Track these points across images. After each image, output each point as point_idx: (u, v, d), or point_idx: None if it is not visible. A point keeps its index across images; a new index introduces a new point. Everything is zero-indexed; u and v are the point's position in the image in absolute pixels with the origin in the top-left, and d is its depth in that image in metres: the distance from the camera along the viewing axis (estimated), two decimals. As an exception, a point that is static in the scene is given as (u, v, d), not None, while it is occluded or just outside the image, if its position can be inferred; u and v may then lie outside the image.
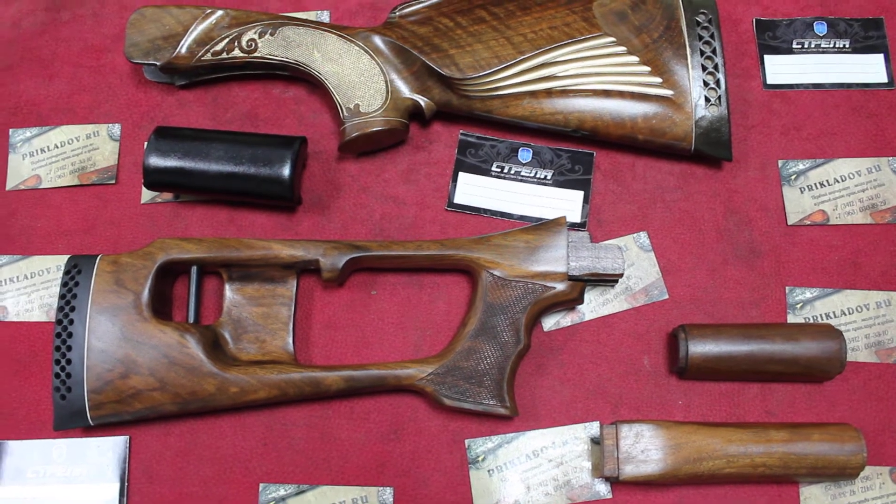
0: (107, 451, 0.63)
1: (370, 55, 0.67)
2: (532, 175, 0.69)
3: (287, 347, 0.64)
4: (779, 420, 0.63)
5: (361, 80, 0.67)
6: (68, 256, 0.63)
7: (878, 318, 0.65)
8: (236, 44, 0.67)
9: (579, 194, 0.68)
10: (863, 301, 0.65)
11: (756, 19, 0.74)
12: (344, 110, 0.66)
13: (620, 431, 0.59)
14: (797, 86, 0.72)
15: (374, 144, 0.69)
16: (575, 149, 0.70)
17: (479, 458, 0.62)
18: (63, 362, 0.60)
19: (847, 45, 0.73)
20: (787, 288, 0.66)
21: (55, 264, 0.67)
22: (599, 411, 0.63)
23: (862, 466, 0.57)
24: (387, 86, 0.67)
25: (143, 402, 0.60)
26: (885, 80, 0.71)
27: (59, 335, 0.60)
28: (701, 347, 0.61)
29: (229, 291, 0.65)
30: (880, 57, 0.72)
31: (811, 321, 0.65)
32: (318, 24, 0.68)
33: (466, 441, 0.62)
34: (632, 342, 0.65)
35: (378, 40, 0.67)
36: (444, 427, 0.63)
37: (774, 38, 0.73)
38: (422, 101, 0.67)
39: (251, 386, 0.60)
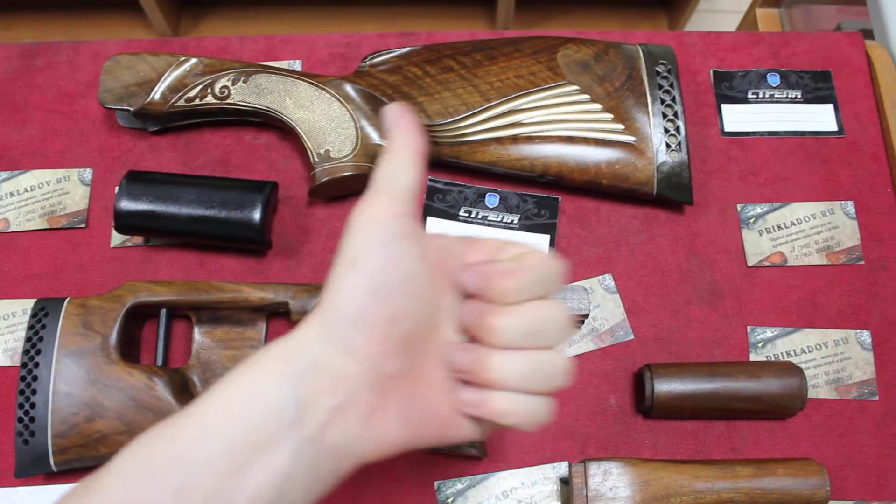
0: (70, 498, 0.62)
1: (341, 102, 0.68)
2: (499, 220, 0.70)
3: (256, 390, 0.64)
4: (744, 457, 0.63)
5: (332, 126, 0.68)
6: (36, 300, 0.63)
7: (836, 355, 0.66)
8: (209, 90, 0.69)
9: (545, 238, 0.70)
10: (821, 339, 0.67)
11: (713, 70, 0.77)
12: (314, 155, 0.67)
13: (589, 470, 0.59)
14: (753, 133, 0.74)
15: (344, 189, 0.70)
16: (541, 194, 0.71)
17: (450, 500, 0.62)
18: (27, 406, 0.59)
19: (799, 96, 0.76)
20: (748, 327, 0.67)
21: (22, 308, 0.67)
22: (568, 451, 0.64)
23: (826, 500, 0.58)
24: (357, 132, 0.68)
25: (109, 446, 0.59)
26: (835, 128, 0.75)
27: (23, 378, 0.59)
28: (666, 386, 0.62)
29: (198, 334, 0.65)
30: (830, 107, 0.76)
31: (773, 359, 0.66)
32: (290, 73, 0.69)
33: (436, 483, 0.62)
34: (599, 382, 0.66)
35: (349, 88, 0.69)
36: (415, 469, 0.63)
37: (731, 87, 0.76)
38: (391, 146, 0.68)
39: (219, 428, 0.59)
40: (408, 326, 0.36)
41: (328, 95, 0.69)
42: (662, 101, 0.70)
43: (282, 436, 0.33)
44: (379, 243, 0.35)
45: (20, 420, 0.59)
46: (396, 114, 0.39)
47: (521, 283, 0.37)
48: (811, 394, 0.65)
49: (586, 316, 0.63)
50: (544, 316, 0.37)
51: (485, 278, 0.38)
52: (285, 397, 0.33)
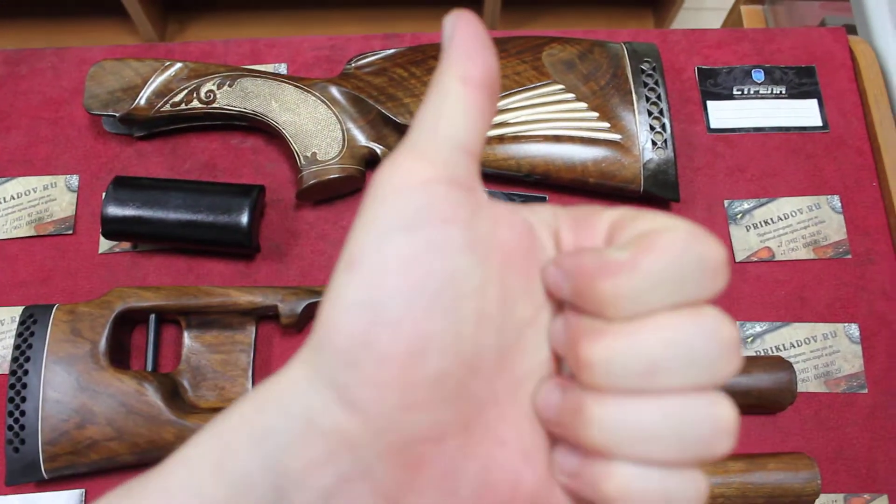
0: (61, 506, 0.62)
1: (327, 105, 0.69)
2: (488, 219, 0.70)
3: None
4: (735, 452, 0.64)
5: (318, 128, 0.68)
6: (24, 307, 0.63)
7: (825, 349, 0.67)
8: (195, 95, 0.68)
9: (534, 237, 0.70)
10: (810, 333, 0.67)
11: (698, 67, 0.77)
12: (301, 158, 0.67)
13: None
14: (739, 129, 0.75)
15: (331, 192, 0.70)
16: (528, 193, 0.71)
17: None
18: (17, 414, 0.59)
19: (783, 92, 0.76)
20: (737, 323, 0.68)
21: (10, 316, 0.67)
22: (560, 449, 0.64)
23: (817, 494, 0.59)
24: (343, 134, 0.68)
25: (100, 452, 0.59)
26: (819, 123, 0.75)
27: (12, 386, 0.59)
28: (656, 382, 0.62)
29: (188, 339, 0.65)
30: (814, 102, 0.76)
31: (762, 354, 0.67)
32: (275, 76, 0.69)
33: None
34: (589, 380, 0.66)
35: (334, 90, 0.69)
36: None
37: (716, 84, 0.76)
38: (378, 148, 0.69)
39: (210, 433, 0.59)
40: (447, 361, 0.22)
41: (314, 98, 0.69)
42: (648, 99, 0.70)
43: None
44: (394, 229, 0.22)
45: (10, 428, 0.58)
46: (455, 21, 0.25)
47: (639, 285, 0.22)
48: (800, 388, 0.65)
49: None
50: (684, 337, 0.22)
51: (577, 277, 0.24)
52: (255, 470, 0.22)
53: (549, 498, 0.25)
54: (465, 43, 0.25)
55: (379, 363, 0.22)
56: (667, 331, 0.22)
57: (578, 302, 0.24)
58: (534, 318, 0.25)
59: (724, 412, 0.23)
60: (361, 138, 0.68)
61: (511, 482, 0.24)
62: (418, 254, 0.22)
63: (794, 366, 0.64)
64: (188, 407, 0.61)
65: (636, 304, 0.22)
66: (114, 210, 0.64)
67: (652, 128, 0.69)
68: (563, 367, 0.26)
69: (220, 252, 0.69)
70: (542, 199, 0.71)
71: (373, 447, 0.22)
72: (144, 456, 0.59)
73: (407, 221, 0.22)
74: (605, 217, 0.26)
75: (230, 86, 0.69)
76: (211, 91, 0.69)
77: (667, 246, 0.22)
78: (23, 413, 0.59)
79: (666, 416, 0.22)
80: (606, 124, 0.68)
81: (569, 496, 0.25)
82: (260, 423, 0.23)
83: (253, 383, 0.64)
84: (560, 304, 0.26)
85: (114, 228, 0.64)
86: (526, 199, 0.71)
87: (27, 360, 0.60)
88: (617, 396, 0.23)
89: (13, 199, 0.71)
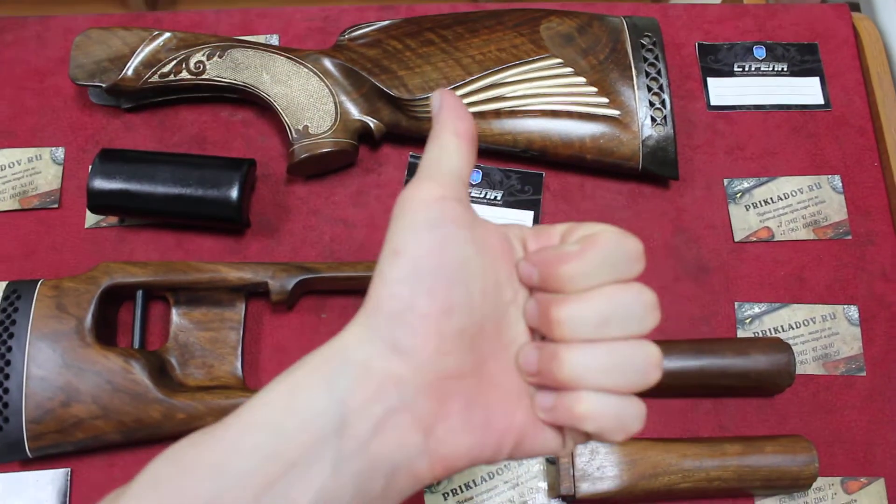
0: (46, 486, 0.60)
1: (319, 77, 0.67)
2: (482, 196, 0.69)
3: (235, 372, 0.62)
4: (732, 434, 0.63)
5: (310, 101, 0.66)
6: (7, 282, 0.61)
7: (823, 331, 0.66)
8: (184, 66, 0.67)
9: (529, 214, 0.69)
10: (809, 315, 0.66)
11: (698, 43, 0.76)
12: (293, 132, 0.66)
13: (576, 449, 0.58)
14: (739, 107, 0.73)
15: (323, 166, 0.69)
16: (524, 169, 0.70)
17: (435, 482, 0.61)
18: (0, 391, 0.57)
19: (785, 69, 0.75)
20: (735, 303, 0.67)
21: (-7, 291, 0.65)
22: (554, 430, 0.63)
23: (814, 477, 0.58)
24: (336, 107, 0.66)
25: (86, 431, 0.58)
26: (821, 101, 0.74)
27: (-5, 363, 0.58)
28: (653, 363, 0.61)
29: (176, 316, 0.63)
30: (816, 80, 0.75)
31: (760, 335, 0.66)
32: (267, 47, 0.68)
33: (421, 463, 0.61)
34: (585, 360, 0.65)
35: (327, 62, 0.67)
36: (398, 450, 0.62)
37: (716, 61, 0.75)
38: (371, 122, 0.67)
39: (198, 412, 0.58)
40: (466, 320, 0.32)
41: (306, 70, 0.67)
42: (647, 75, 0.68)
43: (321, 448, 0.30)
44: (423, 228, 0.32)
45: (-7, 406, 0.57)
46: (441, 97, 0.36)
47: (586, 267, 0.32)
48: (799, 370, 0.64)
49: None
50: (619, 300, 0.32)
51: (542, 266, 0.34)
52: (324, 405, 0.30)
53: (535, 430, 0.34)
54: (452, 110, 0.36)
55: (421, 320, 0.31)
56: (609, 297, 0.32)
57: (544, 284, 0.34)
58: (513, 299, 0.35)
59: (653, 351, 0.33)
60: (355, 111, 0.67)
61: (507, 416, 0.34)
62: (442, 245, 0.32)
63: (793, 348, 0.63)
64: (176, 385, 0.60)
65: (586, 280, 0.32)
66: (100, 183, 0.62)
67: (651, 104, 0.67)
68: (534, 338, 0.36)
69: (209, 227, 0.68)
70: (539, 176, 0.70)
71: (414, 384, 0.31)
72: (131, 435, 0.58)
73: (431, 223, 0.32)
74: (558, 228, 0.37)
75: (220, 57, 0.67)
76: (200, 62, 0.67)
77: (604, 240, 0.33)
78: (6, 391, 0.57)
79: (614, 354, 0.32)
80: (605, 100, 0.67)
81: (548, 427, 0.34)
82: (328, 370, 0.31)
83: (242, 361, 0.63)
84: (530, 292, 0.36)
85: (100, 202, 0.63)
86: (523, 176, 0.70)
87: (10, 336, 0.58)
88: (579, 344, 0.32)
89: (-3, 171, 0.69)
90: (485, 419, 0.33)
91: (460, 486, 0.61)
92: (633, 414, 0.33)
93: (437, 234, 0.32)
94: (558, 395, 0.33)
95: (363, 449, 0.30)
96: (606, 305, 0.32)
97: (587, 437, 0.34)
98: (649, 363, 0.33)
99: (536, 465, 0.61)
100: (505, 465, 0.61)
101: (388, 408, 0.31)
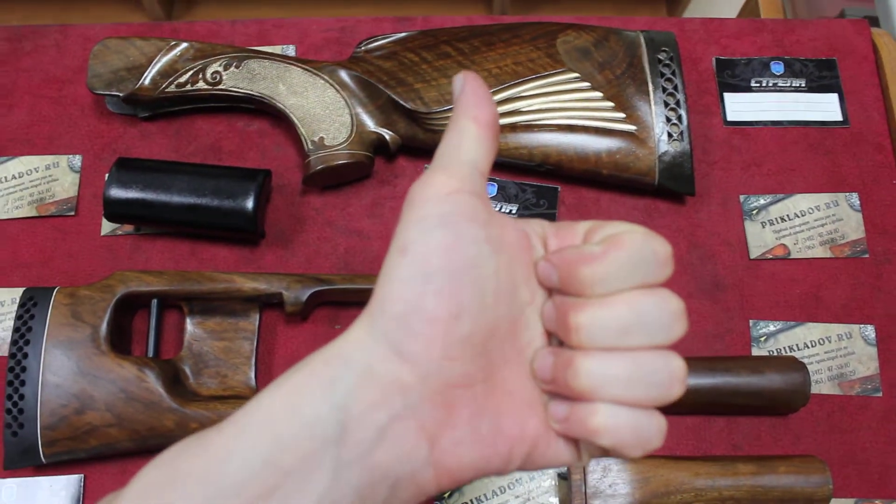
0: (59, 491, 0.61)
1: (335, 88, 0.67)
2: (497, 209, 0.69)
3: (249, 382, 0.63)
4: (745, 453, 0.63)
5: (326, 113, 0.66)
6: (24, 289, 0.61)
7: (839, 350, 0.65)
8: (201, 76, 0.67)
9: (544, 228, 0.69)
10: (824, 334, 0.66)
11: (716, 58, 0.75)
12: (308, 143, 0.66)
13: (588, 466, 0.58)
14: (756, 123, 0.73)
15: (338, 178, 0.69)
16: (540, 183, 0.70)
17: (446, 495, 0.61)
18: (16, 397, 0.58)
19: (803, 85, 0.74)
20: (750, 321, 0.66)
21: (10, 297, 0.66)
22: (566, 446, 0.63)
23: (828, 498, 0.57)
24: (352, 119, 0.67)
25: (99, 438, 0.58)
26: (839, 118, 0.73)
27: (11, 369, 0.58)
28: (667, 380, 0.60)
29: (190, 325, 0.63)
30: (835, 96, 0.74)
31: (775, 354, 0.65)
32: (283, 58, 0.68)
33: (432, 477, 0.61)
34: (598, 376, 0.65)
35: (343, 74, 0.67)
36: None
37: (734, 76, 0.75)
38: (387, 134, 0.67)
39: (211, 421, 0.58)
40: (477, 324, 0.30)
41: (322, 81, 0.67)
42: (664, 90, 0.68)
43: (320, 456, 0.28)
44: (434, 225, 0.30)
45: (8, 412, 0.57)
46: (462, 81, 0.34)
47: (609, 270, 0.30)
48: (813, 389, 0.64)
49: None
50: (643, 307, 0.30)
51: (562, 266, 0.31)
52: (324, 411, 0.28)
53: (548, 441, 0.32)
54: (473, 94, 0.33)
55: (427, 323, 0.29)
56: (632, 303, 0.30)
57: (564, 286, 0.31)
58: (531, 300, 0.33)
59: (677, 363, 0.30)
60: (370, 123, 0.67)
61: (518, 426, 0.32)
62: (452, 243, 0.30)
63: (808, 367, 0.63)
64: (189, 394, 0.60)
65: (608, 284, 0.30)
66: (117, 192, 0.63)
67: (668, 119, 0.67)
68: (552, 342, 0.33)
69: (224, 237, 0.68)
70: (555, 190, 0.69)
71: (419, 390, 0.29)
72: (144, 443, 0.58)
73: (442, 220, 0.30)
74: (582, 226, 0.34)
75: (237, 67, 0.67)
76: (217, 72, 0.67)
77: (629, 242, 0.30)
78: (21, 397, 0.58)
79: (635, 365, 0.30)
80: (621, 115, 0.67)
81: (562, 439, 0.32)
82: (328, 373, 0.29)
83: (256, 371, 0.63)
84: (549, 293, 0.33)
85: (116, 211, 0.63)
86: (538, 190, 0.69)
87: (27, 343, 0.59)
88: (598, 352, 0.30)
89: (14, 178, 0.69)
90: (494, 428, 0.31)
91: (471, 501, 0.61)
92: (653, 430, 0.31)
93: (449, 231, 0.30)
94: (573, 406, 0.31)
95: (365, 458, 0.29)
96: (629, 312, 0.30)
97: (603, 451, 0.31)
98: (673, 377, 0.30)
99: (548, 481, 0.61)
100: (516, 480, 0.61)
101: (391, 415, 0.29)
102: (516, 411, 0.32)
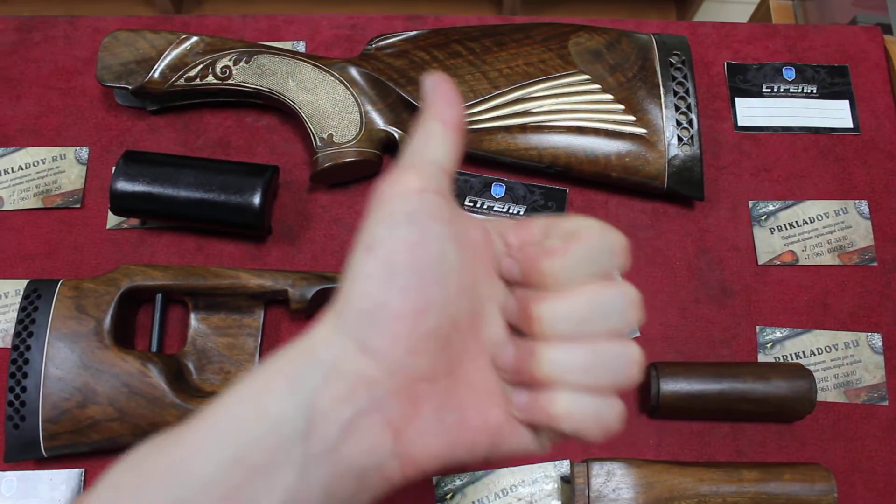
0: (60, 485, 0.61)
1: (345, 86, 0.67)
2: (505, 210, 0.69)
3: (252, 379, 0.62)
4: (750, 459, 0.62)
5: (336, 110, 0.66)
6: (28, 281, 0.61)
7: (846, 358, 0.65)
8: (210, 70, 0.67)
9: (552, 230, 0.68)
10: (831, 341, 0.65)
11: (727, 63, 0.75)
12: (317, 140, 0.66)
13: (591, 470, 0.58)
14: (767, 129, 0.73)
15: (346, 175, 0.68)
16: (548, 185, 0.70)
17: (448, 496, 0.61)
18: (18, 390, 0.57)
19: (814, 91, 0.74)
20: (757, 327, 0.66)
21: (14, 288, 0.65)
22: (570, 450, 0.62)
23: (833, 507, 0.57)
24: (361, 117, 0.66)
25: (101, 432, 0.58)
26: (850, 125, 0.73)
27: (14, 361, 0.58)
28: (672, 385, 0.60)
29: (194, 321, 0.63)
30: (846, 103, 0.74)
31: (781, 361, 0.65)
32: (293, 54, 0.68)
33: (435, 478, 0.61)
34: (603, 379, 0.64)
35: (354, 71, 0.67)
36: (412, 463, 0.62)
37: (745, 81, 0.74)
38: (396, 132, 0.67)
39: (214, 418, 0.58)
40: (440, 320, 0.31)
41: (332, 78, 0.67)
42: (675, 93, 0.68)
43: (287, 452, 0.29)
44: (400, 222, 0.30)
45: (10, 404, 0.57)
46: (432, 83, 0.35)
47: (567, 263, 0.32)
48: (819, 397, 0.64)
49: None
50: (600, 298, 0.31)
51: (524, 261, 0.33)
52: (291, 408, 0.29)
53: (511, 430, 0.33)
54: (442, 97, 0.34)
55: (393, 319, 0.29)
56: (591, 293, 0.31)
57: (526, 279, 0.33)
58: (491, 295, 0.34)
59: (634, 350, 0.32)
60: (380, 121, 0.67)
61: (481, 416, 0.32)
62: (418, 240, 0.30)
63: (814, 374, 0.63)
64: (192, 390, 0.60)
65: (567, 276, 0.32)
66: (123, 185, 0.62)
67: (679, 123, 0.67)
68: (513, 336, 0.34)
69: (230, 232, 0.68)
70: (563, 192, 0.69)
71: (385, 385, 0.30)
72: (146, 438, 0.58)
73: (409, 217, 0.31)
74: (539, 223, 0.35)
75: (247, 62, 0.67)
76: (227, 67, 0.67)
77: (587, 236, 0.32)
78: (24, 389, 0.57)
79: (594, 353, 0.31)
80: (632, 117, 0.66)
81: (524, 426, 0.33)
82: (295, 371, 0.30)
83: (259, 368, 0.63)
84: (510, 288, 0.35)
85: (123, 204, 0.63)
86: (546, 191, 0.69)
87: (30, 335, 0.58)
88: (559, 342, 0.31)
89: (21, 169, 0.69)
90: (458, 419, 0.32)
91: (473, 502, 0.60)
92: (612, 414, 0.32)
93: (414, 228, 0.30)
94: (534, 394, 0.32)
95: (331, 452, 0.29)
96: (587, 302, 0.31)
97: (564, 436, 0.33)
98: (630, 361, 0.32)
99: (550, 484, 0.61)
100: (519, 483, 0.61)
101: (357, 410, 0.29)
102: (479, 402, 0.33)
